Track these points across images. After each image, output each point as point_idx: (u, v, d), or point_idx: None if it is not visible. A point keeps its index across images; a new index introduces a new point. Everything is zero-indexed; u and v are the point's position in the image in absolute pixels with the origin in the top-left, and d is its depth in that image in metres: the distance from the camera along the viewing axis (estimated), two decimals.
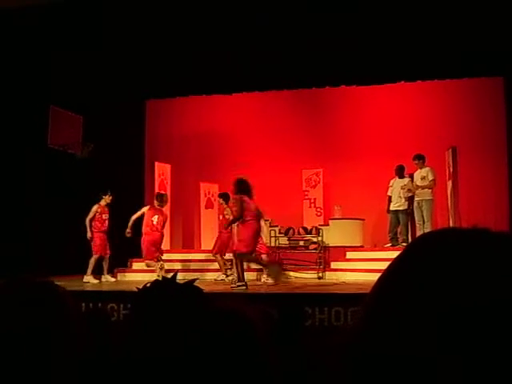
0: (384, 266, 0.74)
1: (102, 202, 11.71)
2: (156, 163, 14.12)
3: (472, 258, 0.67)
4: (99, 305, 8.19)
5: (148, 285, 1.31)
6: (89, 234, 11.50)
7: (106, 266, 11.73)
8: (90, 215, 11.57)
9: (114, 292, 9.21)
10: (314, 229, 12.52)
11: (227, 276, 11.38)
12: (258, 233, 10.15)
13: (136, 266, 12.53)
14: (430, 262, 0.68)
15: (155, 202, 11.57)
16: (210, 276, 11.63)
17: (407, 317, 0.65)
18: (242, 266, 9.78)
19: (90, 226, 11.57)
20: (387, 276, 0.72)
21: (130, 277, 12.00)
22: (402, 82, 12.27)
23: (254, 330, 0.95)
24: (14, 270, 10.81)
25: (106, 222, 11.71)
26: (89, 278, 11.27)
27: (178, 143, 14.90)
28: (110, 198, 11.75)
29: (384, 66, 11.16)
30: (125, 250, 12.04)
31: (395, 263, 0.72)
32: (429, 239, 0.73)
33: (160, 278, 1.36)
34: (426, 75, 11.81)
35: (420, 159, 12.08)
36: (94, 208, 11.60)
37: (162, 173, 14.15)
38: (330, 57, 11.06)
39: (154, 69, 11.65)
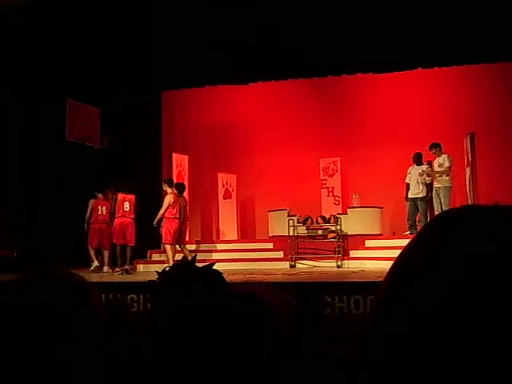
0: None
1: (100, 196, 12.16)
2: (173, 154, 14.13)
3: (500, 234, 0.57)
4: (119, 296, 8.22)
5: (167, 269, 1.30)
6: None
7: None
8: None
9: (134, 283, 9.24)
10: (332, 217, 12.49)
11: None
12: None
13: (155, 257, 12.59)
14: (452, 241, 0.59)
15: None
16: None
17: (426, 303, 0.57)
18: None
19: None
20: (402, 260, 0.62)
21: (149, 268, 12.04)
22: (419, 68, 12.16)
23: (275, 315, 0.95)
24: (34, 262, 10.95)
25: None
26: (106, 268, 11.77)
27: (194, 134, 14.90)
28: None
29: (400, 53, 11.07)
30: (144, 241, 12.09)
31: (411, 245, 0.63)
32: (447, 217, 0.63)
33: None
34: (443, 61, 11.69)
35: (436, 147, 11.98)
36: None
37: (179, 164, 14.16)
38: (347, 44, 10.99)
39: (169, 59, 11.65)
